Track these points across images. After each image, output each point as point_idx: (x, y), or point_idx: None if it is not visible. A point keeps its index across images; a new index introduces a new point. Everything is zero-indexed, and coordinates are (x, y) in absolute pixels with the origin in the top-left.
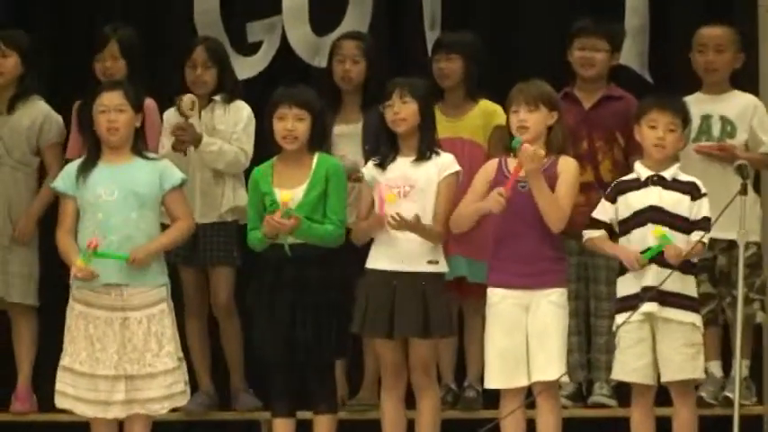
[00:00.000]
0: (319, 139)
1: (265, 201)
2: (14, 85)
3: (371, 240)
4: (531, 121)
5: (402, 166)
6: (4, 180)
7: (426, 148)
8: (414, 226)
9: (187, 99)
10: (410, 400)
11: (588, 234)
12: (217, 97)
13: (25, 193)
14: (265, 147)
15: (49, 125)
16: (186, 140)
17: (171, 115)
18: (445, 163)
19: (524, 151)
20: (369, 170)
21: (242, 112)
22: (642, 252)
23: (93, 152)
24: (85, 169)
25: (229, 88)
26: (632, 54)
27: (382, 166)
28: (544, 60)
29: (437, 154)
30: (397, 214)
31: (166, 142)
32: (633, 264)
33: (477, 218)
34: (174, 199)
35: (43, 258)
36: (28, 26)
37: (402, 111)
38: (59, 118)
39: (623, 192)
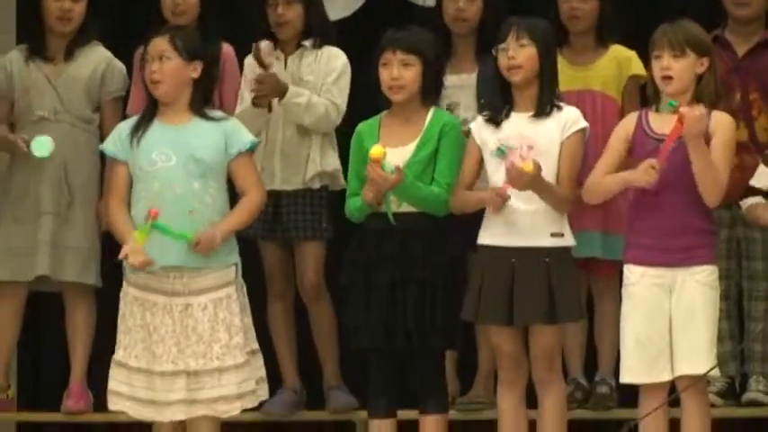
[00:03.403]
0: (433, 90)
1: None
2: (74, 31)
3: (481, 211)
4: (676, 69)
5: (518, 122)
6: (62, 139)
7: (547, 101)
8: (534, 180)
9: (264, 46)
10: (531, 398)
11: (747, 202)
12: (306, 42)
13: (86, 156)
14: (372, 102)
15: (111, 75)
16: (267, 94)
17: (251, 63)
18: (570, 118)
19: (688, 115)
20: (478, 127)
21: (336, 60)
22: None
23: (150, 109)
24: (139, 129)
25: (319, 30)
26: None
27: (495, 122)
28: None
29: (559, 108)
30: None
31: (246, 95)
32: None
33: (619, 190)
34: (242, 166)
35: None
36: None
37: (519, 55)
38: (122, 66)
39: None
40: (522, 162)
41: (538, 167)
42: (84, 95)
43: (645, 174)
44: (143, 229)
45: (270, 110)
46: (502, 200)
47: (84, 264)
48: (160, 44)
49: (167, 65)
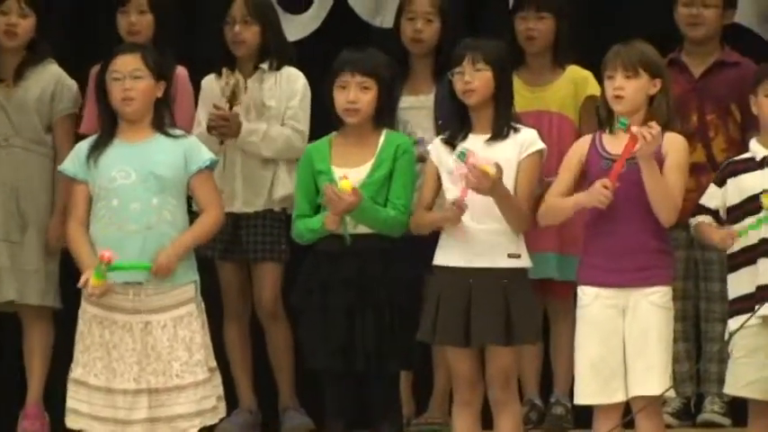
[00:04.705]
0: (387, 113)
1: (318, 181)
2: (23, 50)
3: (438, 232)
4: (628, 89)
5: (476, 144)
6: (14, 164)
7: (504, 123)
8: (496, 182)
9: (233, 82)
10: (487, 418)
11: (693, 221)
12: (264, 65)
13: (39, 179)
14: (322, 122)
15: (60, 93)
16: (227, 133)
17: (210, 83)
18: (527, 140)
19: (644, 135)
20: (436, 148)
21: (296, 82)
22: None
23: (108, 128)
24: (98, 148)
25: (276, 50)
26: (750, 10)
27: (452, 144)
28: (647, 20)
29: (516, 130)
30: (474, 166)
31: (203, 118)
32: (726, 241)
33: (573, 212)
34: (202, 183)
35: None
36: None
37: (475, 80)
38: (74, 84)
39: (734, 174)
40: (484, 164)
41: (499, 170)
42: (35, 116)
43: (599, 194)
44: (99, 273)
45: (222, 143)
46: (460, 211)
47: (44, 287)
48: (131, 62)
49: (140, 83)
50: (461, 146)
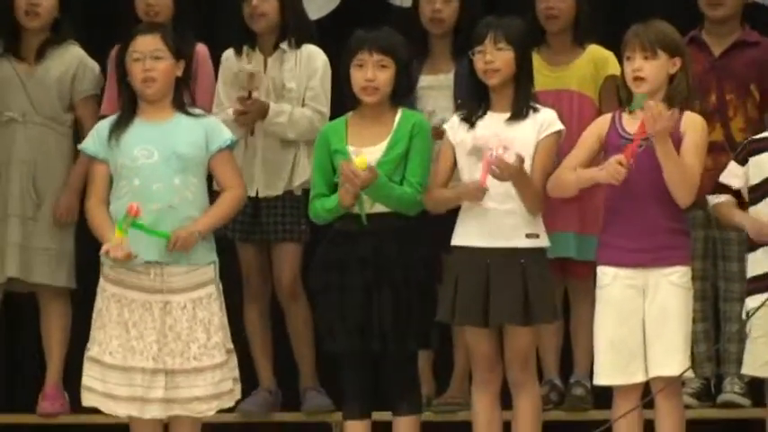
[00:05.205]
0: (404, 92)
1: (335, 161)
2: (46, 30)
3: (455, 212)
4: (647, 69)
5: (494, 123)
6: (31, 141)
7: (523, 103)
8: (518, 171)
9: (255, 73)
10: (506, 399)
11: (713, 199)
12: (284, 45)
13: (56, 157)
14: (339, 101)
15: (82, 74)
16: (252, 120)
17: (229, 59)
18: (546, 120)
19: (648, 109)
20: (453, 126)
21: (316, 61)
22: None
23: (129, 107)
24: (119, 128)
25: (296, 26)
26: None
27: (470, 122)
28: None
29: (535, 110)
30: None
31: (224, 97)
32: (762, 234)
33: (585, 186)
34: (223, 163)
35: (77, 234)
36: None
37: (497, 59)
38: (96, 65)
39: (755, 152)
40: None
41: (521, 160)
42: (55, 96)
43: (613, 171)
44: (122, 226)
45: (252, 133)
46: (481, 192)
47: (56, 265)
48: (152, 42)
49: (161, 64)
50: (475, 138)
